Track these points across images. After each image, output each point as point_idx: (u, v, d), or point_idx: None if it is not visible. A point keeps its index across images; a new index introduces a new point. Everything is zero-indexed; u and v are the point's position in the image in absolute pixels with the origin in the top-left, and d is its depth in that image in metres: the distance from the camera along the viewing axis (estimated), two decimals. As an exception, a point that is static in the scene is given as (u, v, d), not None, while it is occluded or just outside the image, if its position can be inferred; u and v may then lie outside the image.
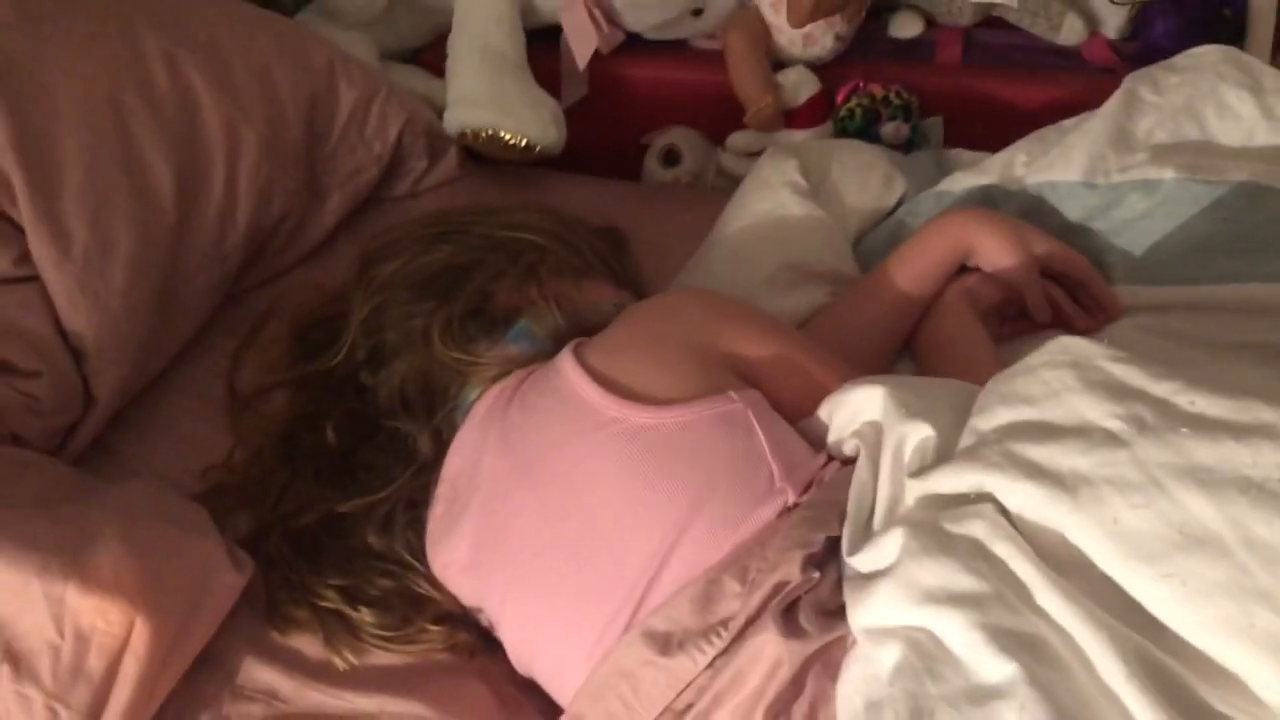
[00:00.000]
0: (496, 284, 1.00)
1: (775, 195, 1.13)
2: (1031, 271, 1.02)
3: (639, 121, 1.48)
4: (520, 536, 0.87)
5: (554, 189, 1.38)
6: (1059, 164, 1.10)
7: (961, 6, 1.46)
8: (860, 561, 0.75)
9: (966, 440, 0.77)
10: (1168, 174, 1.05)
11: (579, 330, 0.95)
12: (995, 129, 1.25)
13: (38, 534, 0.82)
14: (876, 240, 1.15)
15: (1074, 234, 1.06)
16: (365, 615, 0.90)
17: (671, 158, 1.45)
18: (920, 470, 0.77)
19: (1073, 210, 1.09)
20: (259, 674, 0.89)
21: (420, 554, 0.93)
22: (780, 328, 0.95)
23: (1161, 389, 0.71)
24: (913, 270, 1.05)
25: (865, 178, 1.17)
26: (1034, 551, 0.68)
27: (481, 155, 1.34)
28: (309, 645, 0.91)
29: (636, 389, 0.86)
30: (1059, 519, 0.68)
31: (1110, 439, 0.69)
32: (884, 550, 0.73)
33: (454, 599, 0.92)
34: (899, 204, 1.17)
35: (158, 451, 1.05)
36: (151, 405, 1.08)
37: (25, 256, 0.98)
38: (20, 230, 0.97)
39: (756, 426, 0.84)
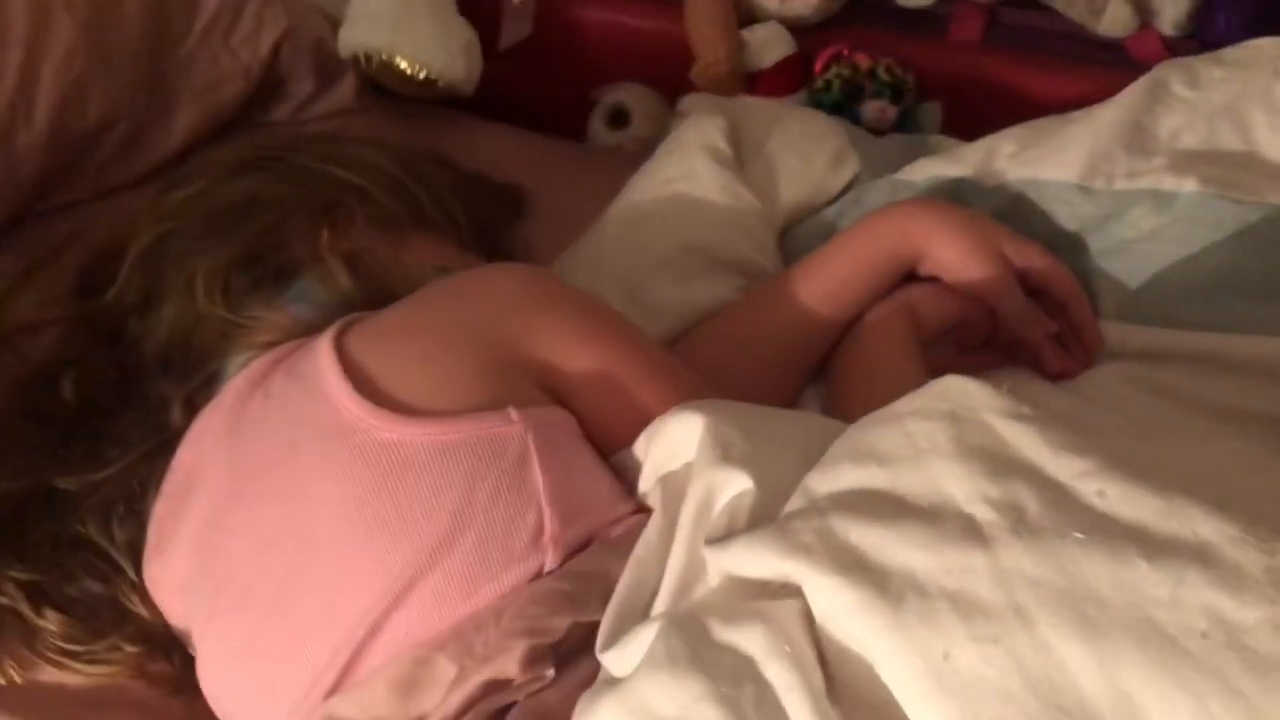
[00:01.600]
0: (287, 228, 0.79)
1: (687, 160, 0.91)
2: (1007, 284, 0.79)
3: (588, 73, 1.26)
4: (230, 562, 0.67)
5: (475, 139, 1.17)
6: (1051, 159, 0.86)
7: (990, -23, 1.22)
8: (612, 660, 0.52)
9: (794, 503, 0.53)
10: (1188, 186, 0.80)
11: (380, 299, 0.74)
12: (1006, 124, 0.99)
13: None
14: (809, 232, 0.92)
15: (1056, 249, 0.82)
16: (49, 622, 0.71)
17: (619, 118, 1.23)
18: (725, 538, 0.54)
19: (1060, 218, 0.84)
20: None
21: (139, 556, 0.73)
22: (619, 331, 0.72)
23: (1064, 468, 0.47)
24: (837, 272, 0.81)
25: (809, 152, 0.93)
26: (824, 683, 0.45)
27: (383, 86, 1.14)
28: (-27, 645, 0.71)
29: (395, 391, 0.64)
30: (870, 637, 0.44)
31: (969, 532, 0.46)
32: (634, 651, 0.50)
33: (162, 618, 0.72)
34: (847, 190, 0.93)
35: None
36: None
37: None
38: None
39: (535, 457, 0.62)
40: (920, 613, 0.44)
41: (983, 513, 0.46)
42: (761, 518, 0.54)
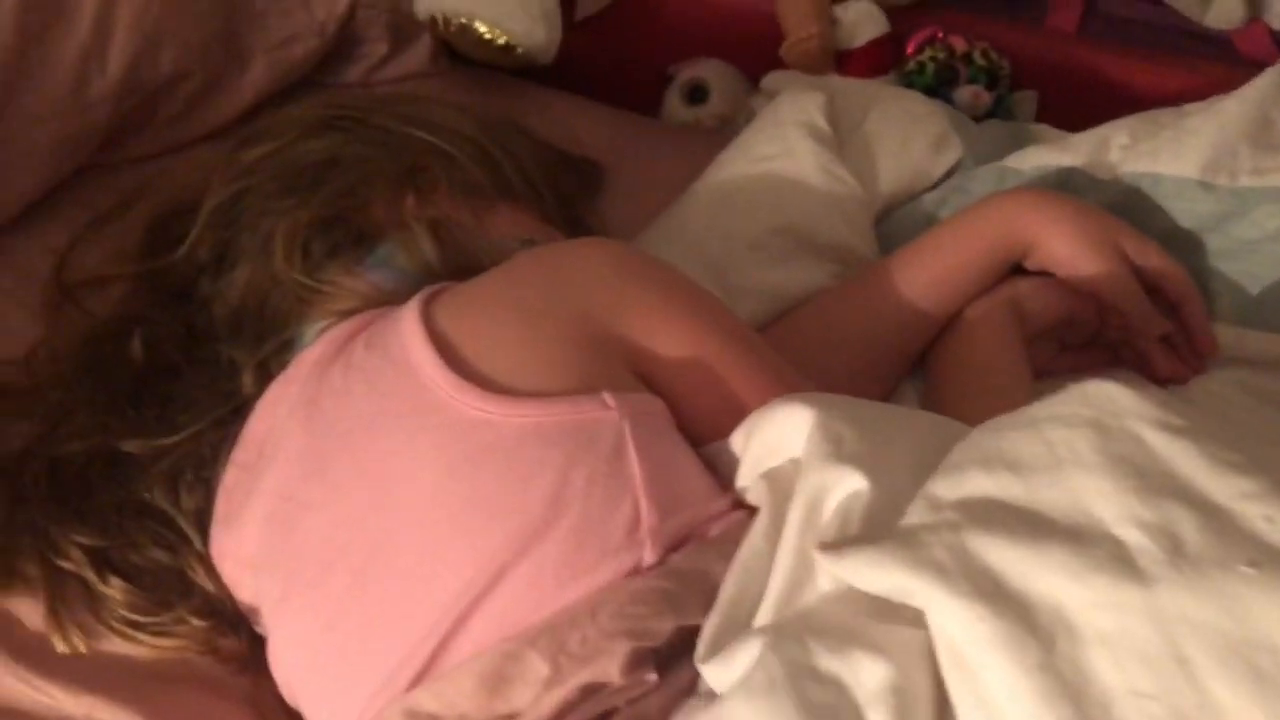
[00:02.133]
0: (368, 191, 0.76)
1: (784, 138, 0.86)
2: (1126, 281, 0.75)
3: (667, 47, 1.22)
4: (307, 539, 0.64)
5: (547, 109, 1.14)
6: (1169, 152, 0.81)
7: (1091, -38, 1.17)
8: (713, 673, 0.49)
9: (916, 512, 0.50)
10: (1320, 187, 0.76)
11: (464, 269, 0.71)
12: (1104, 117, 0.95)
13: None
14: (907, 219, 0.87)
15: (1170, 247, 0.77)
16: (114, 590, 0.68)
17: (697, 94, 1.19)
18: (839, 543, 0.50)
19: (1177, 215, 0.80)
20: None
21: (207, 526, 0.71)
22: (714, 314, 0.68)
23: (1225, 488, 0.43)
24: (941, 261, 0.77)
25: (909, 134, 0.89)
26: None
27: (459, 51, 1.10)
28: (29, 612, 0.69)
29: (484, 367, 0.61)
30: (1015, 676, 0.40)
31: (1120, 561, 0.42)
32: (735, 667, 0.47)
33: (229, 592, 0.69)
34: (948, 177, 0.89)
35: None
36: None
37: None
38: None
39: (631, 446, 0.59)
40: (1073, 659, 0.39)
41: (1134, 538, 0.42)
42: (877, 523, 0.50)
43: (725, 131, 1.20)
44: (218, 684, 0.69)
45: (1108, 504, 0.44)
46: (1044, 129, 0.98)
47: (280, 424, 0.68)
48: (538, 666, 0.53)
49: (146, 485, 0.72)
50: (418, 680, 0.58)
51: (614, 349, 0.64)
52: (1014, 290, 0.77)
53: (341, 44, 1.06)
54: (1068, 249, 0.74)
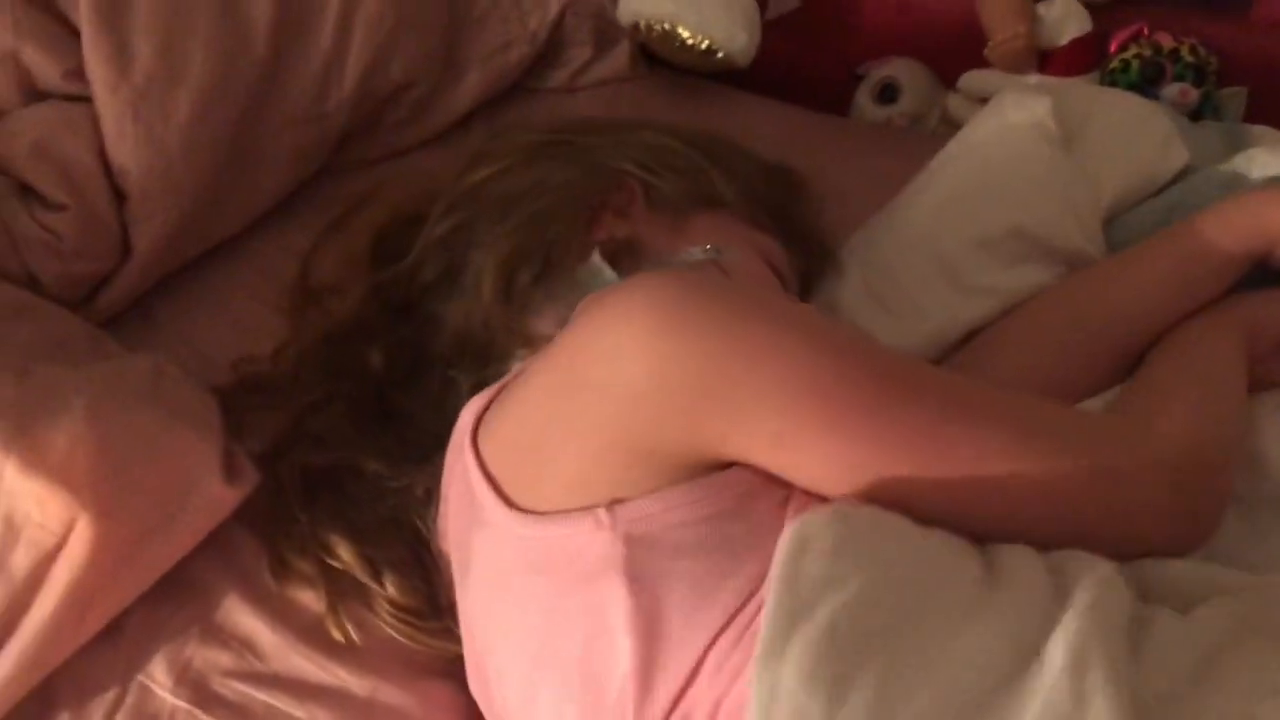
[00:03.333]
0: (571, 215, 0.77)
1: (1017, 138, 0.86)
2: None
3: (856, 46, 1.23)
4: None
5: (737, 110, 1.16)
6: None
7: (1299, -48, 1.13)
8: None
9: None
10: None
11: None
12: (1319, 114, 0.94)
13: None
14: (1136, 223, 0.86)
15: None
16: (389, 588, 0.73)
17: (888, 93, 1.20)
18: None
19: None
20: (240, 618, 0.73)
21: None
22: (840, 345, 0.57)
23: None
24: (1179, 259, 0.76)
25: (1136, 136, 0.88)
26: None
27: (657, 55, 1.13)
28: (311, 600, 0.74)
29: (507, 482, 0.61)
30: None
31: None
32: None
33: None
34: (1174, 181, 0.88)
35: (201, 327, 0.90)
36: (206, 274, 0.93)
37: (79, 72, 0.83)
38: (76, 36, 0.83)
39: (621, 572, 0.53)
40: None
41: None
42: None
43: (916, 130, 1.21)
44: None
45: None
46: (1264, 130, 0.95)
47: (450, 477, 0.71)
48: None
49: (401, 508, 0.76)
50: None
51: (678, 441, 0.55)
52: (1247, 302, 0.76)
53: (548, 49, 1.09)
54: None
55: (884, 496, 0.55)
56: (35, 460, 0.65)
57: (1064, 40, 1.08)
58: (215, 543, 0.74)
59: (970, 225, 0.83)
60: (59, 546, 0.66)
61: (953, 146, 0.90)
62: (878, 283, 0.85)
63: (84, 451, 0.67)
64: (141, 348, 0.84)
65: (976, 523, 0.57)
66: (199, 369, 0.83)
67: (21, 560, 0.65)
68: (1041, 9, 1.09)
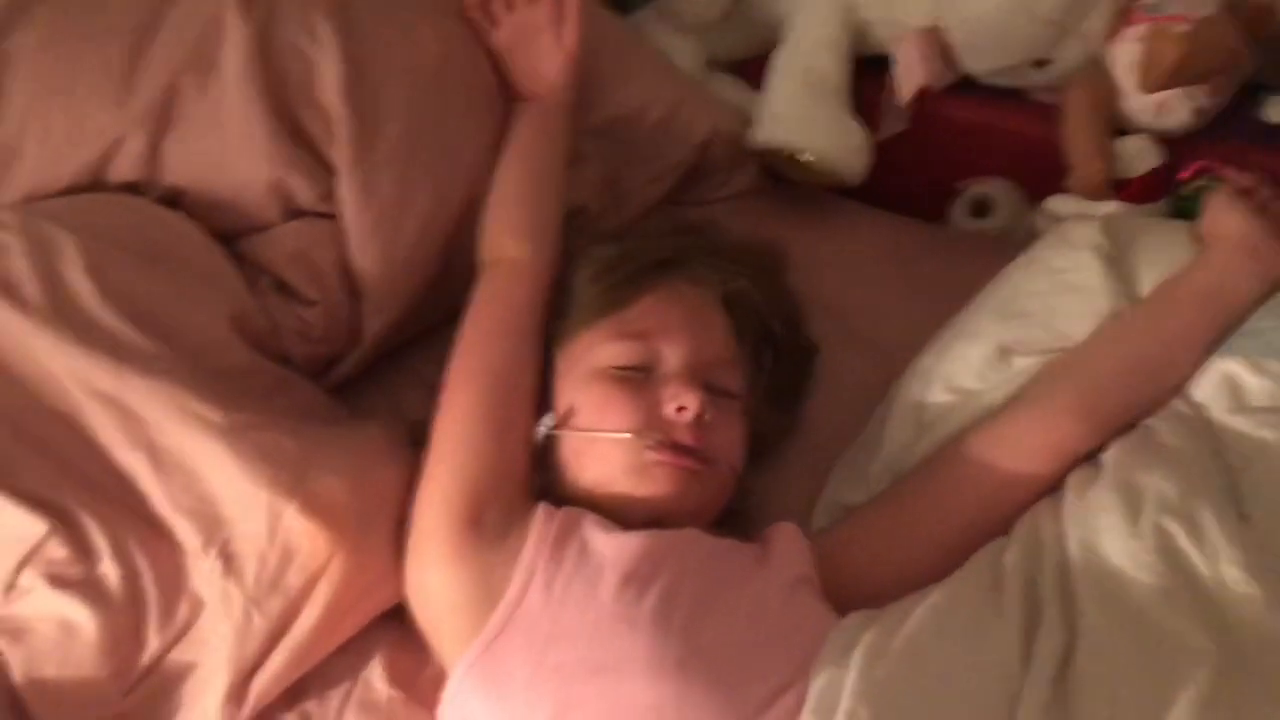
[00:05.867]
0: None
1: (1075, 255, 1.04)
2: None
3: (953, 165, 1.39)
4: None
5: (845, 219, 1.34)
6: None
7: (1361, 96, 1.27)
8: None
9: None
10: None
11: None
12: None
13: (279, 447, 0.89)
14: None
15: None
16: None
17: (982, 208, 1.36)
18: None
19: None
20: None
21: None
22: None
23: None
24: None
25: (1175, 262, 1.04)
26: None
27: (781, 174, 1.32)
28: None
29: None
30: None
31: None
32: None
33: None
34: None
35: (403, 398, 1.10)
36: (403, 356, 1.13)
37: (330, 195, 1.05)
38: (328, 169, 1.05)
39: None
40: None
41: None
42: None
43: (1007, 241, 1.36)
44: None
45: None
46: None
47: None
48: None
49: None
50: None
51: None
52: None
53: (692, 169, 1.29)
54: None
55: None
56: (310, 506, 0.86)
57: (1138, 172, 1.24)
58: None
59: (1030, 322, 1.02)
60: (321, 572, 0.86)
61: (1023, 260, 1.08)
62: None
63: (343, 504, 0.87)
64: (360, 413, 1.05)
65: None
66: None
67: (294, 580, 0.85)
68: (1119, 144, 1.25)
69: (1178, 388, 0.95)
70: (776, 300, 1.04)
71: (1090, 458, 0.94)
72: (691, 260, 1.00)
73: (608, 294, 0.97)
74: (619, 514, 0.88)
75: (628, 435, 0.88)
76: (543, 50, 1.14)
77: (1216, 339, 0.95)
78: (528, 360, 0.96)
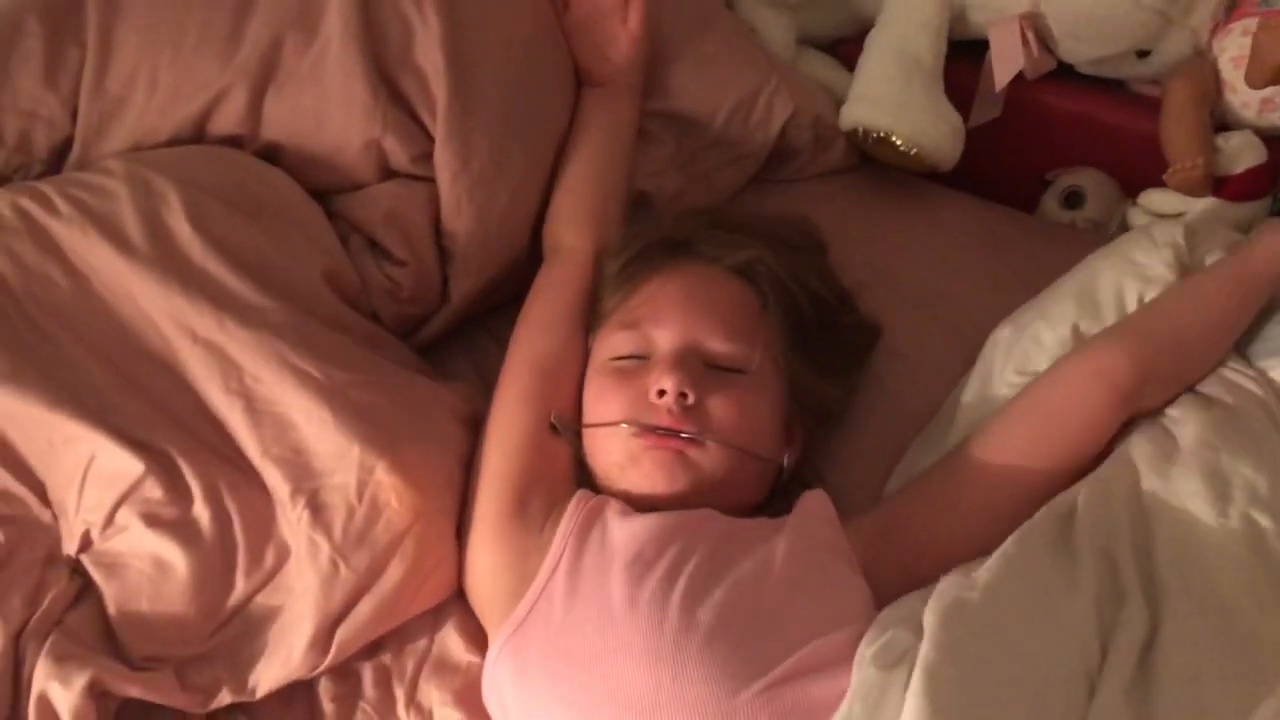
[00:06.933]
0: None
1: (1157, 252, 1.04)
2: None
3: (1046, 156, 1.37)
4: None
5: (938, 204, 1.33)
6: None
7: None
8: None
9: None
10: None
11: None
12: None
13: (374, 407, 0.90)
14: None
15: None
16: None
17: (1074, 199, 1.34)
18: None
19: None
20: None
21: None
22: None
23: None
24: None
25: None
26: None
27: (870, 156, 1.30)
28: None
29: None
30: None
31: None
32: None
33: None
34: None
35: (487, 361, 1.11)
36: (487, 319, 1.14)
37: (424, 158, 1.06)
38: (427, 135, 1.06)
39: None
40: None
41: None
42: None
43: (1098, 233, 1.34)
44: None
45: None
46: None
47: None
48: None
49: None
50: None
51: None
52: None
53: (776, 152, 1.28)
54: None
55: None
56: (400, 464, 0.87)
57: (1239, 169, 1.21)
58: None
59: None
60: (408, 529, 0.87)
61: (1104, 248, 1.08)
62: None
63: (433, 468, 0.89)
64: (443, 375, 1.07)
65: None
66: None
67: (382, 534, 0.87)
68: (1220, 139, 1.22)
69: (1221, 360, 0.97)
70: (804, 269, 1.02)
71: (1150, 423, 0.94)
72: (695, 239, 1.00)
73: (616, 285, 0.99)
74: (636, 501, 0.89)
75: (621, 426, 0.90)
76: (610, 33, 1.15)
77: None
78: (577, 350, 0.98)
